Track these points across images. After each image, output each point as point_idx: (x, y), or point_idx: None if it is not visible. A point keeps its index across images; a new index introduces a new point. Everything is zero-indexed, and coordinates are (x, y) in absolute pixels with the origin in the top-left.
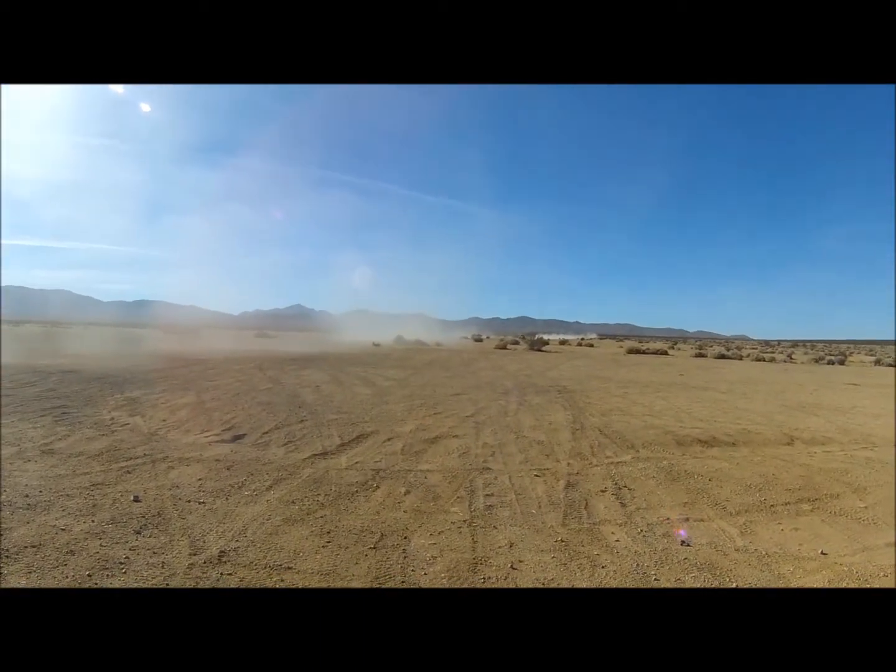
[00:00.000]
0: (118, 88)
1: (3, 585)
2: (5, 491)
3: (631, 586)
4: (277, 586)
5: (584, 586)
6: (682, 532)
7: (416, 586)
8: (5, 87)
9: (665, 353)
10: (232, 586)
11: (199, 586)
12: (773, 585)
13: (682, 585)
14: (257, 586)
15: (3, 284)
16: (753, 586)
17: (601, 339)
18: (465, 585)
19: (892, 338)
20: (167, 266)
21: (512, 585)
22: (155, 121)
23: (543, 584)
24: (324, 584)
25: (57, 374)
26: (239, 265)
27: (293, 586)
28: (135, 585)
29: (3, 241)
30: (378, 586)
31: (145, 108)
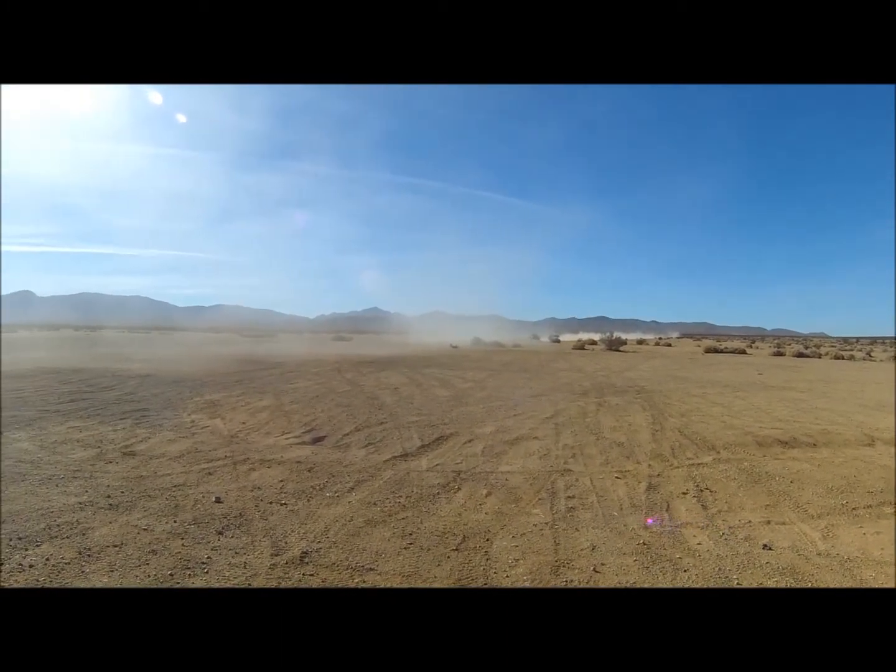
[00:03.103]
0: (157, 99)
1: (15, 585)
2: (87, 492)
3: (751, 587)
4: (300, 586)
5: (660, 587)
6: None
7: (417, 586)
8: (32, 88)
9: (743, 351)
10: (233, 586)
11: (266, 586)
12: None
13: (705, 586)
14: (257, 586)
15: (79, 291)
16: (754, 586)
17: (678, 338)
18: (543, 587)
19: None
20: (243, 270)
21: (592, 586)
22: (219, 127)
23: (625, 587)
24: (405, 586)
25: (135, 377)
26: (313, 268)
27: (294, 586)
28: (135, 586)
29: (77, 250)
30: (378, 586)
31: (181, 118)
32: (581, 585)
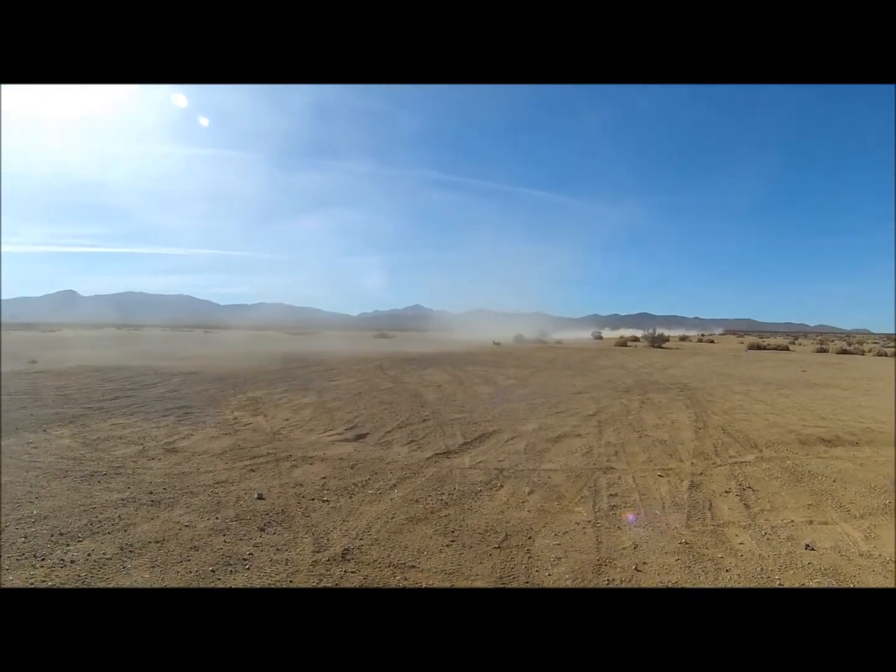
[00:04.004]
0: (181, 102)
1: (15, 585)
2: (129, 488)
3: (751, 586)
4: (306, 586)
5: (684, 586)
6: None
7: (418, 586)
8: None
9: (786, 348)
10: (233, 587)
11: (266, 587)
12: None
13: (713, 586)
14: (257, 586)
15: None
16: (753, 586)
17: (722, 334)
18: (586, 586)
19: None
20: (284, 268)
21: (592, 587)
22: (257, 127)
23: (666, 586)
24: (446, 584)
25: (178, 375)
26: (355, 266)
27: (294, 586)
28: (135, 586)
29: (120, 250)
30: (378, 586)
31: (203, 122)
32: (581, 586)
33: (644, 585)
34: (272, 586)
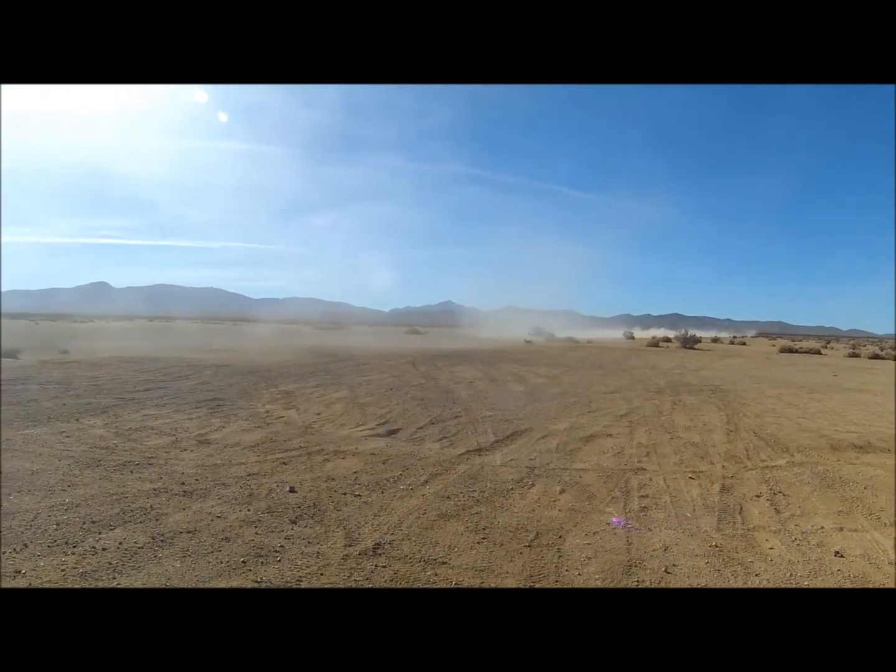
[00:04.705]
0: (202, 98)
1: (15, 585)
2: (161, 478)
3: (751, 586)
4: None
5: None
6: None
7: (418, 586)
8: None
9: (818, 352)
10: (233, 587)
11: (267, 587)
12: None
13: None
14: (258, 586)
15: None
16: (753, 587)
17: (754, 336)
18: (614, 586)
19: None
20: (316, 262)
21: (592, 587)
22: (290, 122)
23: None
24: (477, 582)
25: (210, 367)
26: (387, 261)
27: (294, 587)
28: (135, 585)
29: (152, 243)
30: (378, 587)
31: (223, 117)
32: (581, 586)
33: (644, 586)
34: (272, 586)
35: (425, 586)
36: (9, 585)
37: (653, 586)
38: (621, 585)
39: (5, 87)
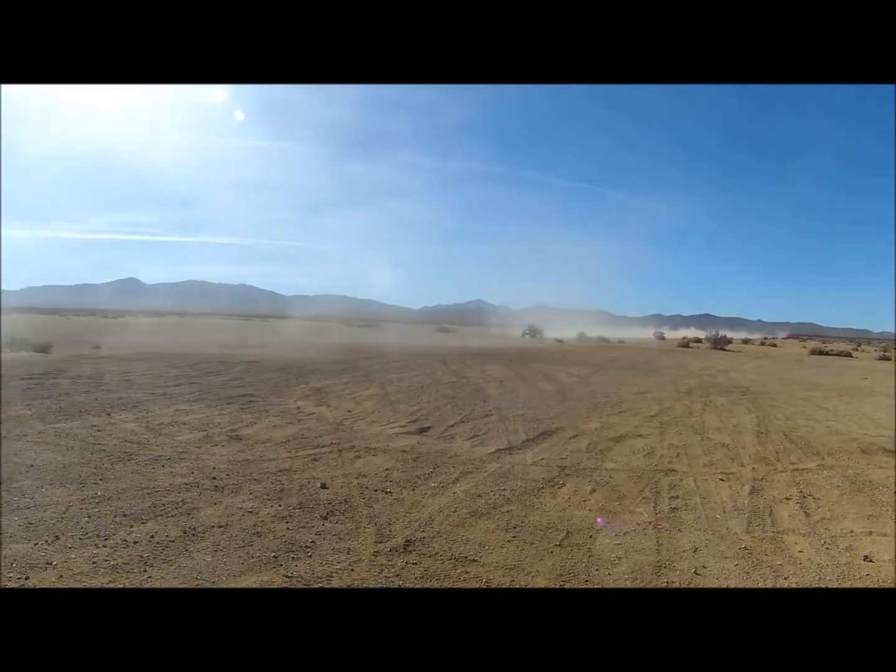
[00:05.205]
0: (220, 95)
1: (14, 586)
2: (193, 473)
3: (751, 586)
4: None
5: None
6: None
7: (417, 587)
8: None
9: (848, 354)
10: (233, 587)
11: (267, 587)
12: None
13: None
14: (258, 587)
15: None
16: (753, 587)
17: (784, 338)
18: (543, 587)
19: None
20: (344, 259)
21: (592, 587)
22: (316, 119)
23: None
24: (507, 580)
25: (241, 363)
26: (417, 258)
27: (294, 587)
28: (135, 585)
29: (182, 239)
30: (379, 587)
31: (239, 115)
32: (581, 586)
33: (644, 586)
34: (272, 586)
35: (425, 586)
36: (39, 576)
37: (653, 586)
38: (651, 586)
39: (6, 86)
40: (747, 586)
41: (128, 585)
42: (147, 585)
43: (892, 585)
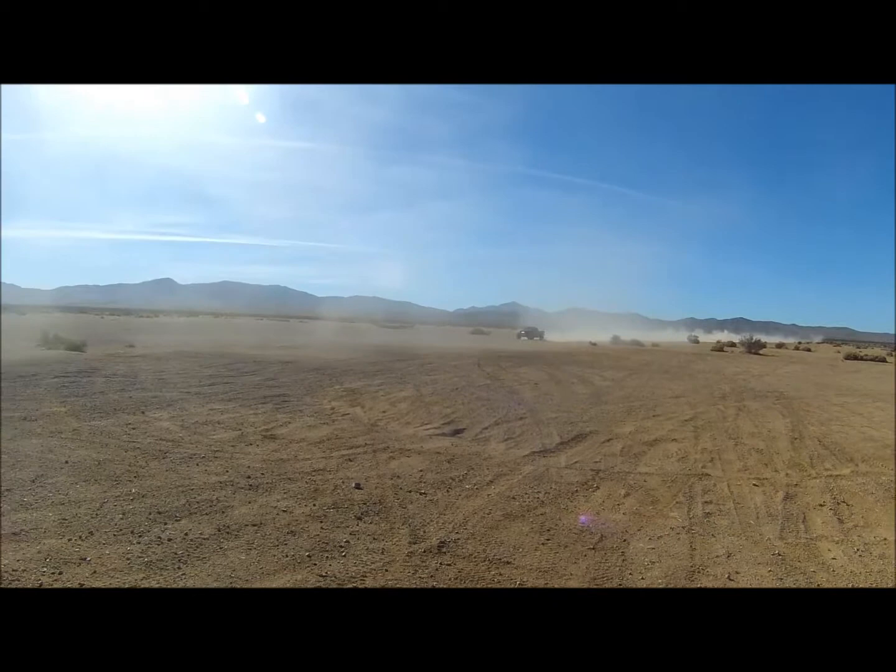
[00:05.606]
0: (243, 97)
1: (15, 586)
2: (227, 471)
3: (751, 586)
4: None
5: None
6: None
7: (417, 587)
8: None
9: (883, 360)
10: (233, 587)
11: (267, 587)
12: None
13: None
14: (258, 587)
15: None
16: (754, 587)
17: (819, 343)
18: (543, 587)
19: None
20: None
21: (592, 587)
22: (352, 121)
23: None
24: (541, 582)
25: (275, 364)
26: (451, 260)
27: (294, 587)
28: (135, 585)
29: (217, 240)
30: (379, 587)
31: (260, 118)
32: (581, 586)
33: (644, 586)
34: (272, 586)
35: (425, 586)
36: (72, 572)
37: (653, 586)
38: (715, 586)
39: (6, 86)
40: (742, 587)
41: (126, 585)
42: (145, 585)
43: (892, 586)
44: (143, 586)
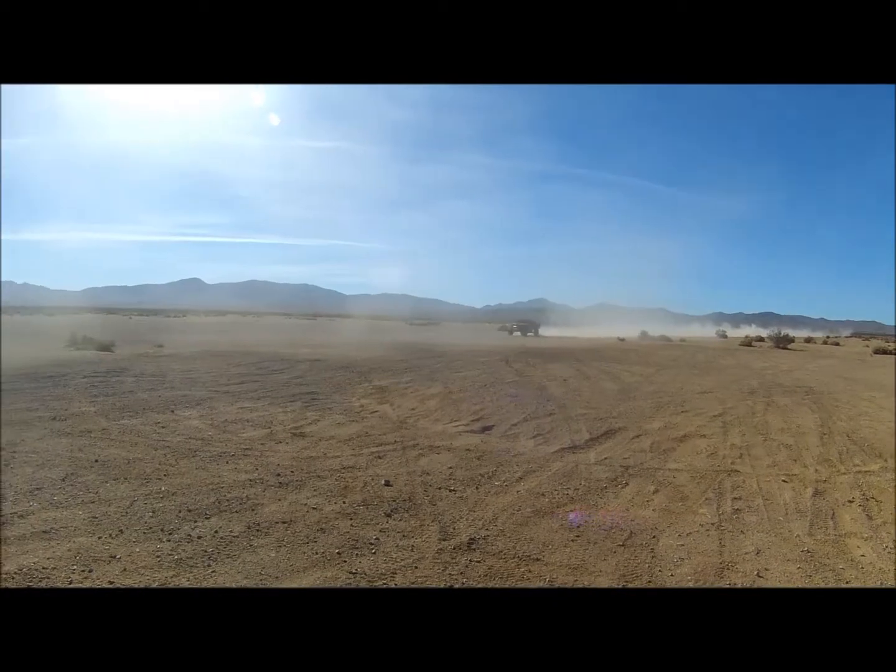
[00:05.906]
0: (258, 99)
1: (9, 586)
2: (257, 469)
3: (751, 586)
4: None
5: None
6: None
7: (417, 587)
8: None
9: None
10: (233, 586)
11: (267, 587)
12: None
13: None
14: (258, 586)
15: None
16: (754, 587)
17: (848, 336)
18: (543, 587)
19: None
20: (406, 259)
21: (592, 587)
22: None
23: None
24: (570, 579)
25: (304, 362)
26: (479, 258)
27: (294, 586)
28: (135, 585)
29: (245, 240)
30: (379, 586)
31: (274, 120)
32: (581, 585)
33: (644, 586)
34: (273, 586)
35: (425, 586)
36: (102, 569)
37: (653, 586)
38: (715, 586)
39: (6, 86)
40: (742, 587)
41: (127, 585)
42: (174, 583)
43: (892, 586)
44: (143, 587)
